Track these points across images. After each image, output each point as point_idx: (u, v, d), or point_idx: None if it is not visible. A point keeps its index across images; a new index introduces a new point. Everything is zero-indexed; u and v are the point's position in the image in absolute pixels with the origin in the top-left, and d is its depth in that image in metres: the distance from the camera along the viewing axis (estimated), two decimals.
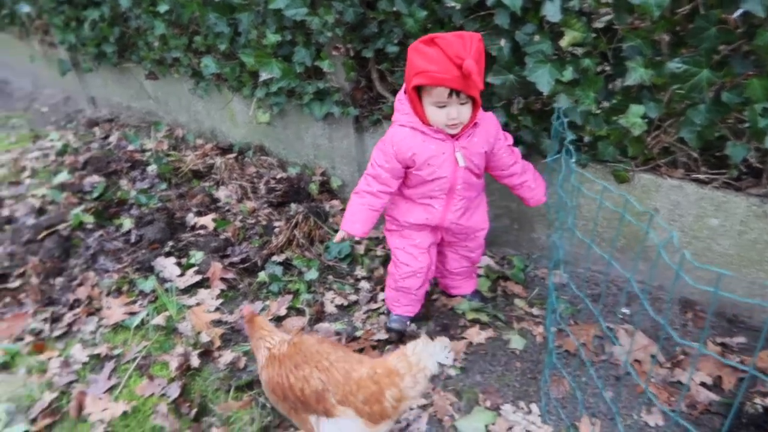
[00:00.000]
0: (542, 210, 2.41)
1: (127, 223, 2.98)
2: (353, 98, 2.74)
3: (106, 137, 4.05)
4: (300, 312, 2.35)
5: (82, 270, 2.68)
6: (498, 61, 2.03)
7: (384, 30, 2.35)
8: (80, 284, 2.59)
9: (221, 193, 3.13)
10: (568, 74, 1.90)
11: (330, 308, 2.36)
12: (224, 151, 3.54)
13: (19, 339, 2.33)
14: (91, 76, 4.44)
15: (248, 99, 3.23)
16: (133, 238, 2.87)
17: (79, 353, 2.23)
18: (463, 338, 2.15)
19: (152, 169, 3.51)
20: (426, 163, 1.81)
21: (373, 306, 2.36)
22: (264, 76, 2.70)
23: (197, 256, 2.65)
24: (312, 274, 2.52)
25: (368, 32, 2.41)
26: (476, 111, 1.74)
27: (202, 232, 2.87)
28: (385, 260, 2.56)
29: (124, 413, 1.97)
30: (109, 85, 4.36)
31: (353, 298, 2.42)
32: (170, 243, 2.80)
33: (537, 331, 2.17)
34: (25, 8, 4.00)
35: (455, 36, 1.59)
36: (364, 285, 2.49)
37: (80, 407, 2.00)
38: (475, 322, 2.23)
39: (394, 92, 2.68)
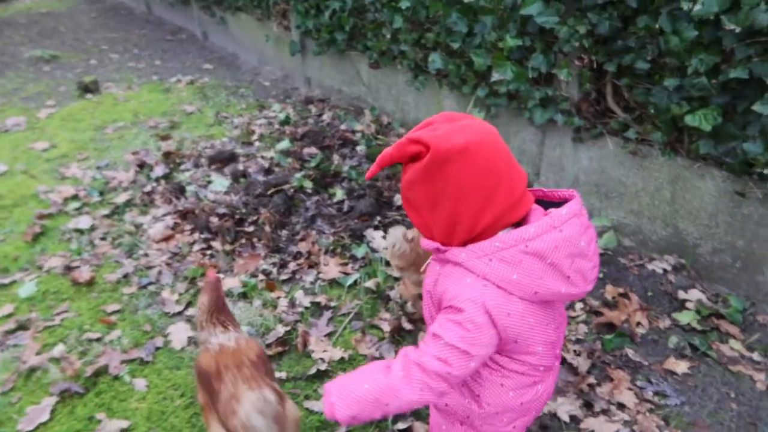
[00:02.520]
0: None
1: (339, 193, 3.32)
2: (578, 109, 2.76)
3: (320, 115, 4.50)
4: None
5: (303, 227, 3.05)
6: None
7: (638, 45, 2.34)
8: (302, 239, 2.95)
9: None
10: None
11: None
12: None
13: (254, 276, 2.72)
14: (311, 59, 4.94)
15: (466, 96, 3.39)
16: (345, 208, 3.20)
17: (302, 298, 2.56)
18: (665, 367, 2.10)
19: (361, 149, 3.84)
20: None
21: None
22: (496, 76, 2.83)
23: None
24: None
25: (617, 46, 2.42)
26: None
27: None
28: None
29: (342, 359, 2.22)
30: (325, 69, 4.83)
31: None
32: (378, 217, 3.07)
33: (758, 377, 2.04)
34: None
35: None
36: None
37: (305, 344, 2.30)
38: (680, 354, 2.16)
39: (627, 108, 2.65)
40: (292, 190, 3.36)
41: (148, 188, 3.48)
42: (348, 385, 1.16)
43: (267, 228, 2.99)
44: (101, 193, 3.46)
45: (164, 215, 3.19)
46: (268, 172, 3.63)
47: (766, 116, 1.97)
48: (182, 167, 3.75)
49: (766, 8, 1.87)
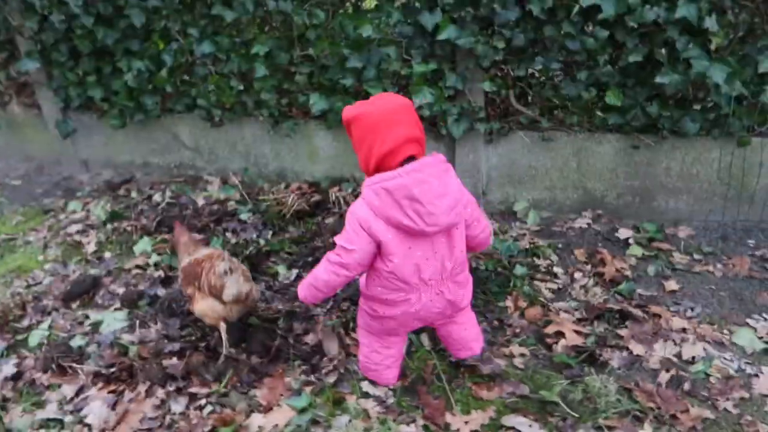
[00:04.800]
0: None
1: (281, 269, 2.88)
2: (488, 115, 3.09)
3: (148, 198, 3.66)
4: None
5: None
6: None
7: (551, 50, 2.77)
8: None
9: None
10: None
11: None
12: (315, 187, 3.53)
13: None
14: (83, 137, 3.93)
15: (342, 133, 3.31)
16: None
17: None
18: None
19: (247, 216, 3.34)
20: None
21: None
22: (417, 102, 2.90)
23: None
24: None
25: (528, 54, 2.81)
26: None
27: None
28: None
29: None
30: (115, 144, 3.92)
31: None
32: None
33: (712, 269, 2.78)
34: (29, 65, 3.41)
35: None
36: None
37: None
38: (663, 277, 2.76)
39: (527, 104, 3.11)
40: None
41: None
42: (303, 280, 1.89)
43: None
44: None
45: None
46: (166, 281, 2.83)
47: (667, 85, 2.65)
48: (26, 323, 2.58)
49: (650, 7, 2.52)
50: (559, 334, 2.37)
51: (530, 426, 1.93)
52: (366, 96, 3.12)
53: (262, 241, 3.09)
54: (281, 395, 2.10)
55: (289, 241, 3.10)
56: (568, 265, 2.86)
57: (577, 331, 2.38)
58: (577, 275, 2.79)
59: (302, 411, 1.99)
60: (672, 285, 2.66)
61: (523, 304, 2.58)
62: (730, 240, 2.98)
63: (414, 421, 1.97)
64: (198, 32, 3.20)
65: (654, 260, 2.85)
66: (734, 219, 3.05)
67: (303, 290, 1.88)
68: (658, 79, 2.63)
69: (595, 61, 2.73)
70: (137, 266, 2.95)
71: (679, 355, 2.26)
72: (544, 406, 2.03)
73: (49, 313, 2.66)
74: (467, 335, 2.11)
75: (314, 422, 1.98)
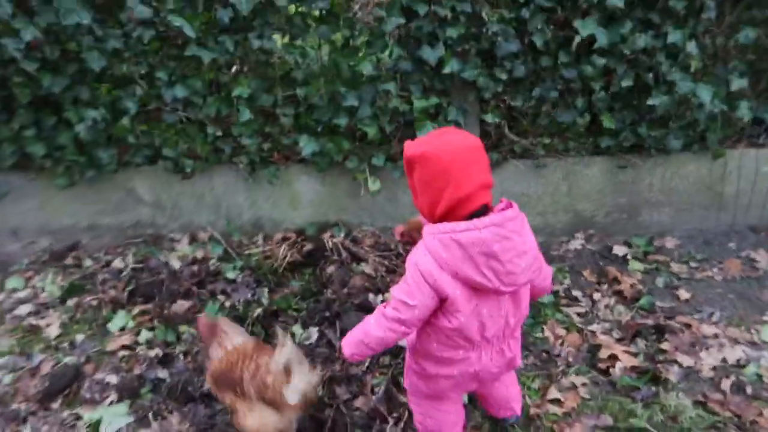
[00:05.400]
0: None
1: (297, 329, 2.59)
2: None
3: (107, 264, 3.16)
4: None
5: None
6: None
7: (549, 80, 2.83)
8: None
9: (368, 269, 2.96)
10: None
11: None
12: (302, 235, 3.27)
13: None
14: (12, 201, 3.34)
15: (336, 175, 3.15)
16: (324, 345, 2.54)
17: None
18: None
19: (235, 274, 3.00)
20: None
21: None
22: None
23: None
24: None
25: (526, 85, 2.86)
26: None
27: None
28: None
29: None
30: (53, 207, 3.37)
31: None
32: None
33: (711, 272, 2.95)
34: None
35: None
36: None
37: None
38: (674, 287, 2.88)
39: (519, 133, 3.15)
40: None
41: None
42: (349, 336, 1.63)
43: None
44: None
45: None
46: (165, 362, 2.42)
47: (657, 106, 2.81)
48: None
49: (640, 35, 2.68)
50: (613, 358, 2.35)
51: None
52: (362, 134, 3.00)
53: (264, 301, 2.78)
54: None
55: (293, 296, 2.83)
56: (584, 287, 2.89)
57: (627, 352, 2.38)
58: (596, 296, 2.82)
59: None
60: (684, 294, 2.78)
61: (561, 332, 2.54)
62: (714, 245, 3.20)
63: None
64: (167, 75, 2.87)
65: (658, 272, 2.98)
66: (712, 225, 3.29)
67: (350, 348, 1.62)
68: (650, 101, 2.79)
69: (590, 88, 2.84)
70: (123, 347, 2.51)
71: (725, 360, 2.33)
72: None
73: (25, 420, 2.15)
74: (509, 394, 1.96)
75: None
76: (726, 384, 2.18)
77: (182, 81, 2.89)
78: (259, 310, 2.67)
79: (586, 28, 2.63)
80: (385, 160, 3.06)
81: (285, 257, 3.08)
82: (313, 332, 2.57)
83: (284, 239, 3.28)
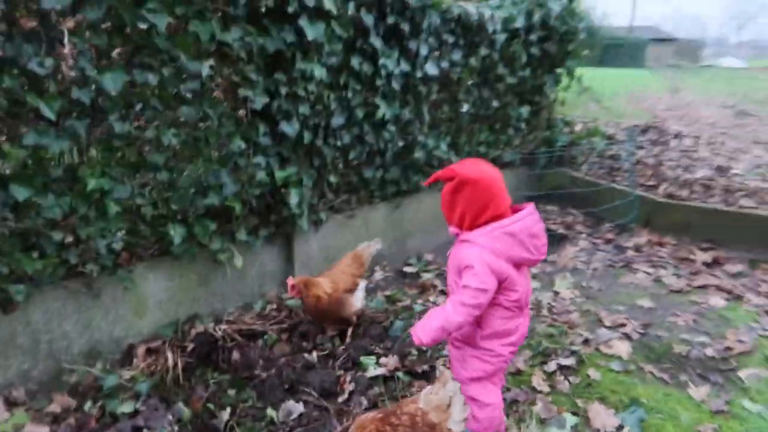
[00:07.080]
0: None
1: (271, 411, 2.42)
2: (313, 206, 3.52)
3: None
4: None
5: None
6: None
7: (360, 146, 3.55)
8: None
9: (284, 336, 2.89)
10: None
11: None
12: (163, 340, 2.82)
13: None
14: None
15: (177, 269, 2.97)
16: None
17: None
18: None
19: (132, 408, 2.38)
20: None
21: None
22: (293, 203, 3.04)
23: None
24: None
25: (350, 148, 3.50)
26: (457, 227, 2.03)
27: None
28: None
29: None
30: None
31: None
32: None
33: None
34: None
35: None
36: None
37: None
38: None
39: (336, 191, 3.73)
40: None
41: None
42: (425, 324, 1.97)
43: None
44: None
45: None
46: None
47: (418, 158, 3.96)
48: None
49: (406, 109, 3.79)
50: None
51: None
52: (234, 214, 2.97)
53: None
54: None
55: (227, 390, 2.55)
56: (413, 298, 3.70)
57: None
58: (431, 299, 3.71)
59: None
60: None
61: None
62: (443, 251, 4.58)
63: None
64: None
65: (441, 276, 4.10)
66: (436, 242, 4.67)
67: (431, 333, 1.91)
68: (415, 155, 3.91)
69: (385, 150, 3.74)
70: None
71: None
72: None
73: None
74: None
75: None
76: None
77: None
78: (215, 421, 2.32)
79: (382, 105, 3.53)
80: (247, 234, 3.09)
81: (175, 364, 2.66)
82: (294, 406, 2.47)
83: (147, 352, 2.77)
